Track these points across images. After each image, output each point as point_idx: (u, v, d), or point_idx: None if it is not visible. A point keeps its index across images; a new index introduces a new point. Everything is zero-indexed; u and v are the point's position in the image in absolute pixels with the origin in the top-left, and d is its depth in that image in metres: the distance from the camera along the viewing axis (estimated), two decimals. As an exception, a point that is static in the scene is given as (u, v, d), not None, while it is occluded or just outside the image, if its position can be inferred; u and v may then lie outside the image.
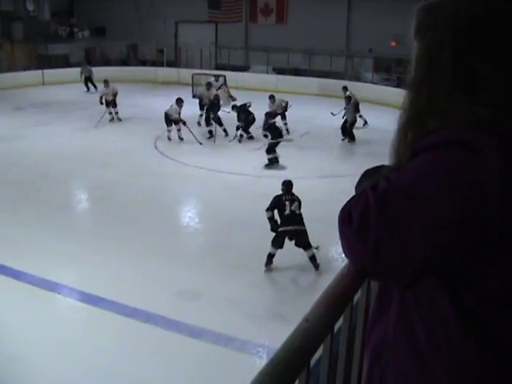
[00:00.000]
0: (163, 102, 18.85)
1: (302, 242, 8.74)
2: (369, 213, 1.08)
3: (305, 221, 8.69)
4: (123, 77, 27.29)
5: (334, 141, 17.12)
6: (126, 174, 13.39)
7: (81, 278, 8.44)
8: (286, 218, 8.75)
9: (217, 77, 22.49)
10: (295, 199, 8.91)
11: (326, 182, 13.12)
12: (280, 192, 8.99)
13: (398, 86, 20.93)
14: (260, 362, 6.40)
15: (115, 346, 6.79)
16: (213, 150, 15.87)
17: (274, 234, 8.79)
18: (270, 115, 15.97)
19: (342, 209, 1.17)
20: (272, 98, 17.63)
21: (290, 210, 8.76)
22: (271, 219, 8.81)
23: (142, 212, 11.16)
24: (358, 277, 1.25)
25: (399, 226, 1.05)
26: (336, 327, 1.28)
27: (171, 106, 16.85)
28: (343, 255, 1.20)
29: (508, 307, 1.05)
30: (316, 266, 8.71)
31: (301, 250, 8.75)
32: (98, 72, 27.48)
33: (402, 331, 1.17)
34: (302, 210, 8.83)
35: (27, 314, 7.35)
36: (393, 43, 22.81)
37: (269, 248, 8.72)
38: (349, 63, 26.86)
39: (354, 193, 1.23)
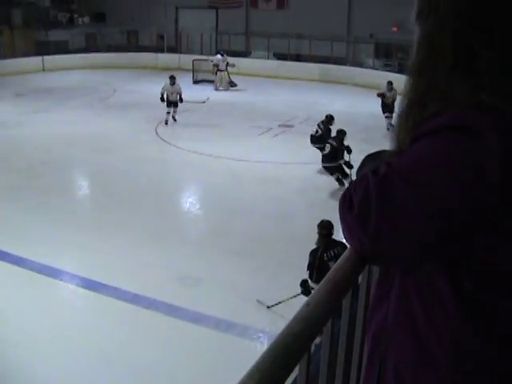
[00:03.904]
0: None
1: None
2: (369, 197, 1.08)
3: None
4: (123, 63, 27.25)
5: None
6: (127, 160, 13.35)
7: (82, 265, 8.45)
8: None
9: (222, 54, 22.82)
10: (338, 254, 6.15)
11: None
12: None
13: (399, 71, 20.80)
14: (261, 348, 6.43)
15: (117, 332, 6.82)
16: (214, 135, 15.83)
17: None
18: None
19: (343, 194, 1.17)
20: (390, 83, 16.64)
21: None
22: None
23: (143, 198, 11.16)
24: (359, 262, 1.25)
25: (399, 211, 1.05)
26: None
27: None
28: (344, 240, 1.20)
29: (507, 293, 1.04)
30: None
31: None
32: (99, 58, 27.43)
33: (403, 316, 1.17)
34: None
35: (29, 300, 7.37)
36: (394, 28, 22.65)
37: None
38: (350, 49, 26.73)
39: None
